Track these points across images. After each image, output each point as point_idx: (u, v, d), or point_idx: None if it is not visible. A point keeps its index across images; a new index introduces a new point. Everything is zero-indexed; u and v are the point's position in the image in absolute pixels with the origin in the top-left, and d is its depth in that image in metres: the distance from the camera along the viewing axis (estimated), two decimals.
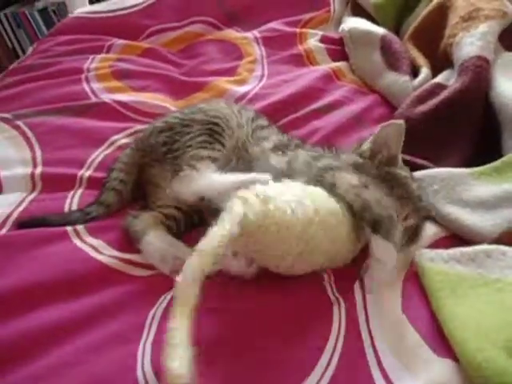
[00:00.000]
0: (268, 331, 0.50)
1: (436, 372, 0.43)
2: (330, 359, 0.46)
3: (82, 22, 1.28)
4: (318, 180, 0.59)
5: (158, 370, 0.47)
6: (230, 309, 0.54)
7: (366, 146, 0.66)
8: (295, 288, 0.55)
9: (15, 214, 0.68)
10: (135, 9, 1.30)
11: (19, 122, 0.86)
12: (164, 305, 0.55)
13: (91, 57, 1.11)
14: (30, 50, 1.27)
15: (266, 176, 0.57)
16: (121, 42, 1.20)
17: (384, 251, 0.52)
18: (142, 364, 0.49)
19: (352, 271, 0.57)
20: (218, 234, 0.43)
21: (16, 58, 2.90)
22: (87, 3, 1.57)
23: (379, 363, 0.46)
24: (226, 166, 0.65)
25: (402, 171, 0.66)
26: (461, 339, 0.42)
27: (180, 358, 0.36)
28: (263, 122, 0.79)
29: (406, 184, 0.62)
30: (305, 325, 0.50)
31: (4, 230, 0.65)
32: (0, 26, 2.81)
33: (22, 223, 0.65)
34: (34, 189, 0.74)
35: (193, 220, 0.68)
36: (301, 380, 0.45)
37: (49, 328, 0.53)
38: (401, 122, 0.64)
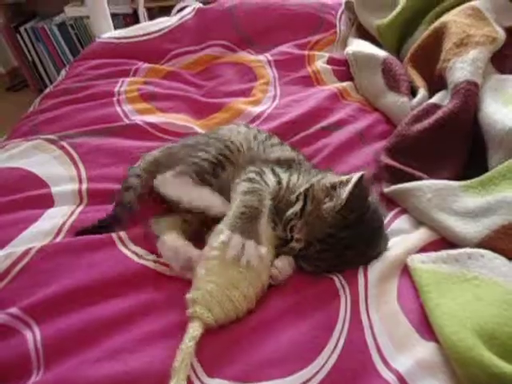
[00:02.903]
0: (285, 316, 0.61)
1: (422, 352, 0.53)
2: (338, 341, 0.57)
3: (108, 47, 1.40)
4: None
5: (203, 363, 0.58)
6: None
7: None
8: (309, 283, 0.66)
9: (68, 223, 0.79)
10: (157, 34, 1.42)
11: (64, 143, 0.98)
12: None
13: (120, 80, 1.23)
14: (62, 73, 1.40)
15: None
16: (146, 65, 1.31)
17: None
18: None
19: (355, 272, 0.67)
20: (183, 350, 0.56)
21: (35, 70, 3.08)
22: (112, 28, 1.70)
23: (377, 345, 0.56)
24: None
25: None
26: (441, 325, 0.53)
27: None
28: (275, 140, 0.90)
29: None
30: (317, 313, 0.61)
31: (59, 238, 0.77)
32: (20, 40, 2.98)
33: (78, 232, 0.78)
34: (81, 202, 0.85)
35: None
36: (315, 356, 0.55)
37: (103, 320, 0.64)
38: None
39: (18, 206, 0.82)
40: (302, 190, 0.71)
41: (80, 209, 0.83)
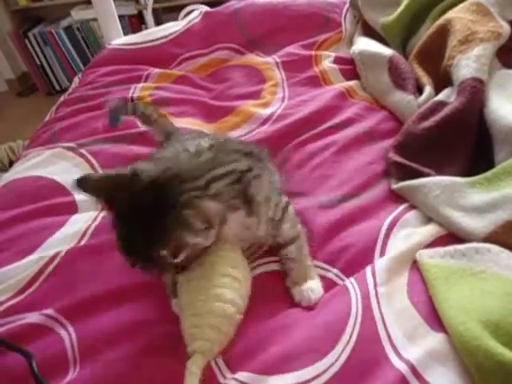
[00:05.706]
0: (300, 315, 0.66)
1: (432, 343, 0.57)
2: (351, 334, 0.60)
3: (119, 53, 1.45)
4: None
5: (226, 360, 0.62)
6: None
7: None
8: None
9: (92, 228, 0.84)
10: (166, 39, 1.45)
11: (83, 150, 1.02)
12: None
13: (133, 86, 1.26)
14: (76, 80, 1.45)
15: None
16: (156, 70, 1.34)
17: None
18: None
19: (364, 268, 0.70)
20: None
21: (44, 74, 3.14)
22: (120, 30, 1.74)
23: (389, 336, 0.59)
24: None
25: None
26: (449, 316, 0.56)
27: None
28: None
29: None
30: (330, 310, 0.65)
31: (84, 241, 0.81)
32: (28, 44, 3.05)
33: None
34: (103, 208, 0.89)
35: None
36: (330, 349, 0.59)
37: (131, 322, 0.68)
38: None
39: (45, 213, 0.87)
40: None
41: (102, 214, 0.87)
